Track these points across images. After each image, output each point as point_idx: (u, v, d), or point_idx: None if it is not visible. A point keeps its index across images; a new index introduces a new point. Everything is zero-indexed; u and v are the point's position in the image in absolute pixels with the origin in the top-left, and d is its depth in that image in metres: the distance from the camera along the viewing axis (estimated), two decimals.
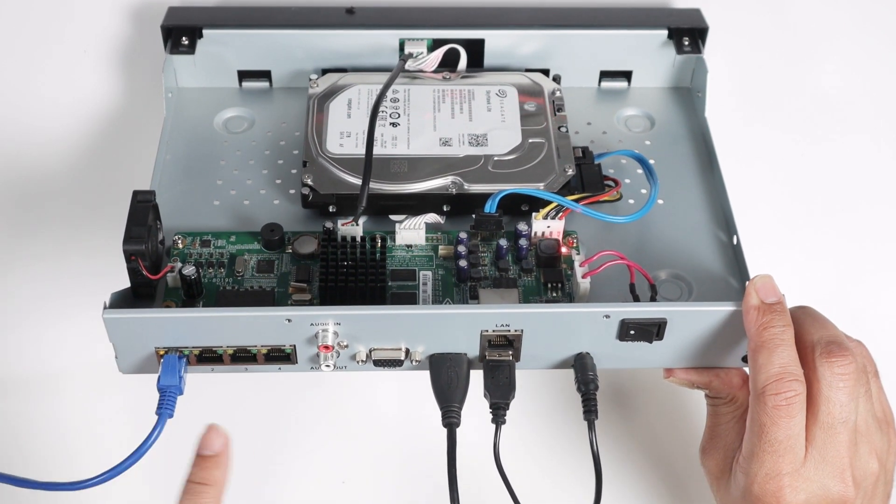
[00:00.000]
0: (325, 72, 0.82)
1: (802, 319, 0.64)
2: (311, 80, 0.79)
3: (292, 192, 0.76)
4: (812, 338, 0.63)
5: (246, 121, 0.81)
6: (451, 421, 0.63)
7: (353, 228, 0.70)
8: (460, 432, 0.63)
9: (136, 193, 0.68)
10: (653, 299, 0.67)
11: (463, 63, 0.81)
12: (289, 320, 0.63)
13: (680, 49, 0.82)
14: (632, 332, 0.64)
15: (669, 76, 0.84)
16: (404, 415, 0.76)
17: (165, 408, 0.63)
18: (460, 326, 0.64)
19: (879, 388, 0.65)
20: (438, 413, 0.64)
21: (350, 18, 0.82)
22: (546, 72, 0.83)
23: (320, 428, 0.73)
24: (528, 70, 0.83)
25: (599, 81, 0.84)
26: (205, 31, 0.81)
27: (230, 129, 0.81)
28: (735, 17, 0.91)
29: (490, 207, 0.71)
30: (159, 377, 0.64)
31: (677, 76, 0.84)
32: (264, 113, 0.82)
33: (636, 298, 0.67)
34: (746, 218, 0.79)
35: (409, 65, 0.80)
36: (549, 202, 0.71)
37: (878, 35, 0.93)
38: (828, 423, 0.60)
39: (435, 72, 0.81)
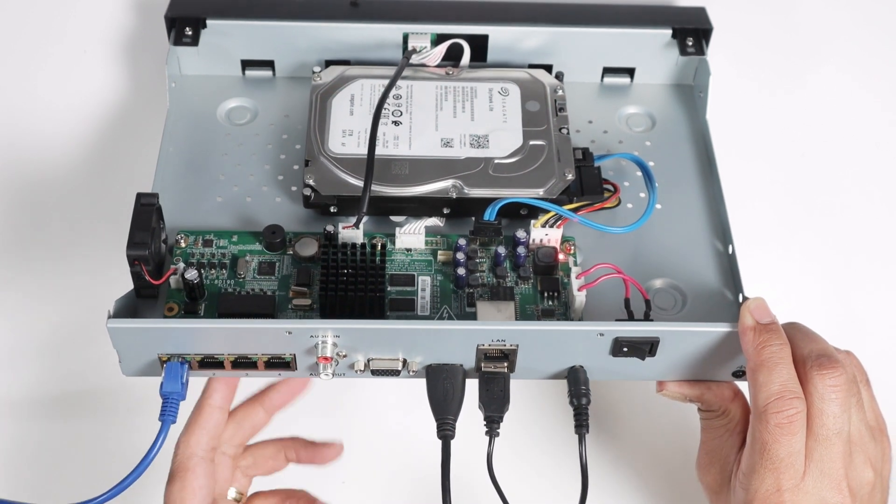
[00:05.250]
0: (328, 64, 0.82)
1: (792, 335, 0.65)
2: (314, 72, 0.79)
3: (294, 188, 0.76)
4: (803, 352, 0.64)
5: (249, 111, 0.81)
6: (445, 433, 0.65)
7: (353, 232, 0.71)
8: (454, 441, 0.65)
9: (139, 196, 0.68)
10: (647, 315, 0.68)
11: (466, 58, 0.81)
12: (289, 332, 0.64)
13: (683, 50, 0.81)
14: (625, 349, 0.65)
15: (672, 74, 0.84)
16: (400, 421, 0.78)
17: (168, 414, 0.65)
18: (457, 341, 0.65)
19: (871, 396, 0.67)
20: (434, 421, 0.66)
21: (354, 11, 0.82)
22: (549, 67, 0.83)
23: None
24: (531, 66, 0.83)
25: (602, 77, 0.84)
26: (208, 22, 0.80)
27: (233, 120, 0.81)
28: (739, 16, 0.90)
29: (489, 216, 0.71)
30: (162, 383, 0.65)
31: (680, 74, 0.84)
32: (267, 104, 0.82)
33: (630, 314, 0.68)
34: (746, 219, 0.80)
35: (413, 58, 0.80)
36: (548, 210, 0.72)
37: (882, 37, 0.92)
38: (823, 436, 0.62)
39: (438, 66, 0.81)
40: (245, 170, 0.77)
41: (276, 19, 0.81)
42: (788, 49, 0.92)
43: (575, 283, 0.68)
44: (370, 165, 0.71)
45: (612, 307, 0.70)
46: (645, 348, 0.65)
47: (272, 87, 0.83)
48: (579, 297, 0.68)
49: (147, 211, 0.68)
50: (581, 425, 0.65)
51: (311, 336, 0.64)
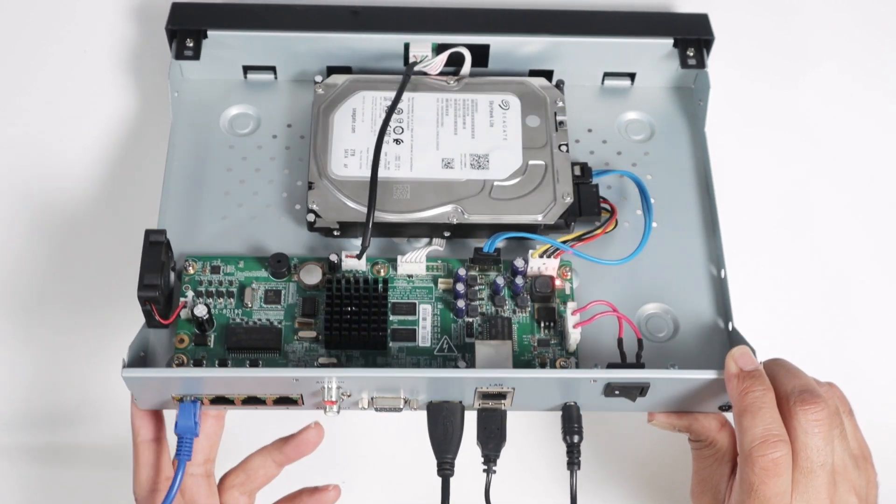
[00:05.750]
0: (330, 71, 0.82)
1: (776, 372, 0.68)
2: (316, 82, 0.80)
3: (297, 207, 0.78)
4: (786, 389, 0.67)
5: (252, 119, 0.82)
6: (445, 472, 0.68)
7: (356, 261, 0.73)
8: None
9: (148, 233, 0.70)
10: (638, 357, 0.70)
11: (467, 67, 0.81)
12: (296, 380, 0.67)
13: (684, 62, 0.81)
14: (617, 392, 0.68)
15: (673, 79, 0.84)
16: (400, 453, 0.81)
17: (184, 453, 0.68)
18: (457, 385, 0.68)
19: (854, 425, 0.70)
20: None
21: (355, 21, 0.81)
22: (550, 74, 0.83)
23: (320, 464, 0.77)
24: (531, 72, 0.83)
25: (603, 80, 0.85)
26: (209, 33, 0.80)
27: (236, 129, 0.82)
28: (740, 18, 0.89)
29: (488, 248, 0.73)
30: (176, 422, 0.69)
31: (681, 79, 0.84)
32: (269, 111, 0.82)
33: (623, 355, 0.70)
34: (746, 221, 0.81)
35: (414, 68, 0.80)
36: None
37: (883, 38, 0.92)
38: (807, 468, 0.65)
39: (439, 74, 0.81)
40: (249, 187, 0.79)
41: (276, 30, 0.81)
42: (789, 51, 0.91)
43: (570, 320, 0.71)
44: (372, 200, 0.73)
45: (606, 341, 0.72)
46: (635, 392, 0.68)
47: (274, 91, 0.83)
48: (574, 335, 0.71)
49: (156, 250, 0.70)
50: (573, 462, 0.69)
51: (317, 381, 0.67)
